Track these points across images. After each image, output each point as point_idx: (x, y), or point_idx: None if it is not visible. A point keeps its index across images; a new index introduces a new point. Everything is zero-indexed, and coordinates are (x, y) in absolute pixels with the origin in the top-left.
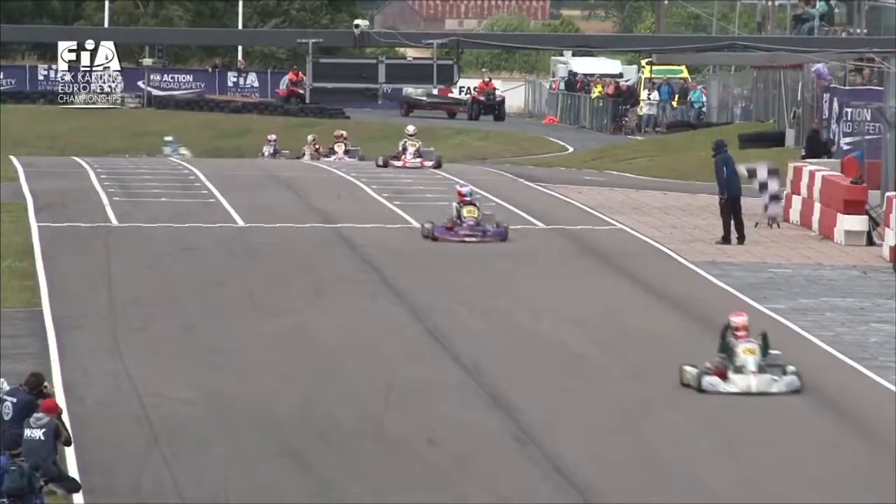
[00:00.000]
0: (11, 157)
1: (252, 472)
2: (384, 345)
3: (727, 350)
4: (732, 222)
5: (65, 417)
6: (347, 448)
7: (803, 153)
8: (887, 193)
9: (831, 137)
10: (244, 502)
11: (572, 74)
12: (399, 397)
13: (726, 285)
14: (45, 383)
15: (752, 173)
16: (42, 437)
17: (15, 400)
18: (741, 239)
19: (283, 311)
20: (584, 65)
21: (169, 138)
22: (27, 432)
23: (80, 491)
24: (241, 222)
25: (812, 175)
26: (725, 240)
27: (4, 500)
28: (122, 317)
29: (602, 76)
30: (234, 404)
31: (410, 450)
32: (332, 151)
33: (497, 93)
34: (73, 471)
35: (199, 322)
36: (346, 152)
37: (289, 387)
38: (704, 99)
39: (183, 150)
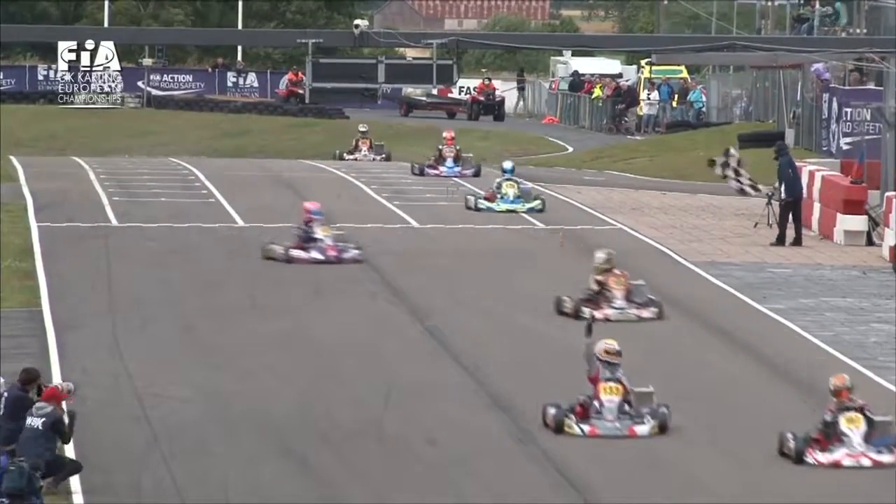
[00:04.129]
0: (11, 157)
1: (252, 472)
2: (384, 345)
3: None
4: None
5: (64, 416)
6: (347, 448)
7: None
8: (887, 193)
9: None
10: (244, 502)
11: (579, 75)
12: (399, 397)
13: (726, 285)
14: (40, 379)
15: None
16: (39, 427)
17: (7, 395)
18: (798, 241)
19: (283, 311)
20: (584, 65)
21: None
22: (28, 421)
23: (82, 470)
24: (240, 222)
25: (812, 175)
26: (780, 241)
27: (4, 499)
28: (122, 317)
29: (602, 76)
30: (233, 404)
31: (410, 450)
32: (356, 149)
33: (497, 93)
34: None
35: (198, 322)
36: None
37: (289, 387)
38: (704, 99)
39: None
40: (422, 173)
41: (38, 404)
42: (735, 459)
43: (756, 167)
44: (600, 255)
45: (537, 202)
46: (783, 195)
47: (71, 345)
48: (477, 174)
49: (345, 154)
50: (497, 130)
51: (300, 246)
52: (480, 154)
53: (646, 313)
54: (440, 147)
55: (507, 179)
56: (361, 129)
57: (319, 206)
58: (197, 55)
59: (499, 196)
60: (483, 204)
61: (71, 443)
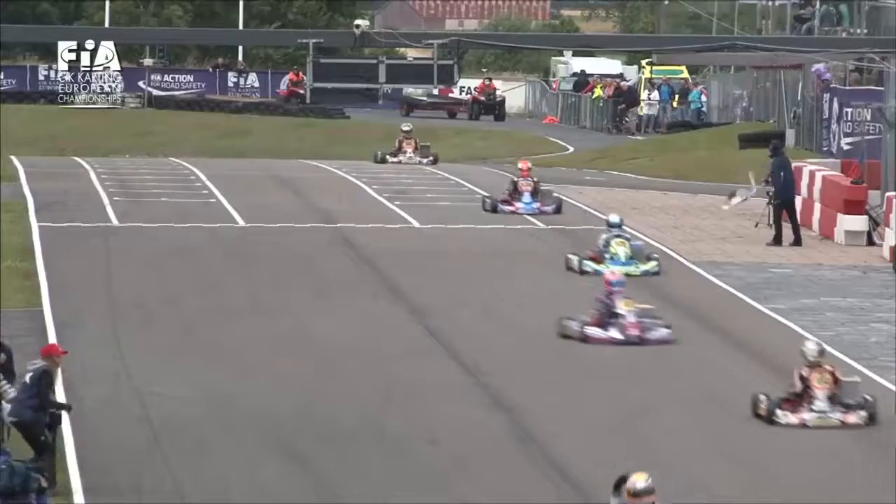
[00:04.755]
0: (12, 157)
1: (252, 472)
2: (384, 345)
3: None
4: (783, 225)
5: (64, 416)
6: (348, 448)
7: None
8: (887, 193)
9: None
10: (244, 502)
11: (585, 74)
12: (399, 397)
13: (726, 285)
14: None
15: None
16: (28, 381)
17: None
18: (797, 241)
19: (284, 311)
20: (585, 65)
21: None
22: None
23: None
24: (241, 222)
25: (812, 175)
26: (777, 241)
27: None
28: (123, 316)
29: (602, 76)
30: (234, 404)
31: (410, 450)
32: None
33: (497, 93)
34: (72, 470)
35: (199, 322)
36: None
37: (289, 387)
38: (705, 99)
39: None
40: (495, 210)
41: (32, 361)
42: (735, 459)
43: (756, 167)
44: (811, 347)
45: (653, 264)
46: (775, 196)
47: (71, 344)
48: (558, 210)
49: (387, 156)
50: (497, 130)
51: (598, 322)
52: (480, 154)
53: (852, 418)
54: (515, 179)
55: (616, 236)
56: (405, 128)
57: (621, 277)
58: (196, 54)
59: (607, 256)
60: (589, 266)
61: (71, 438)
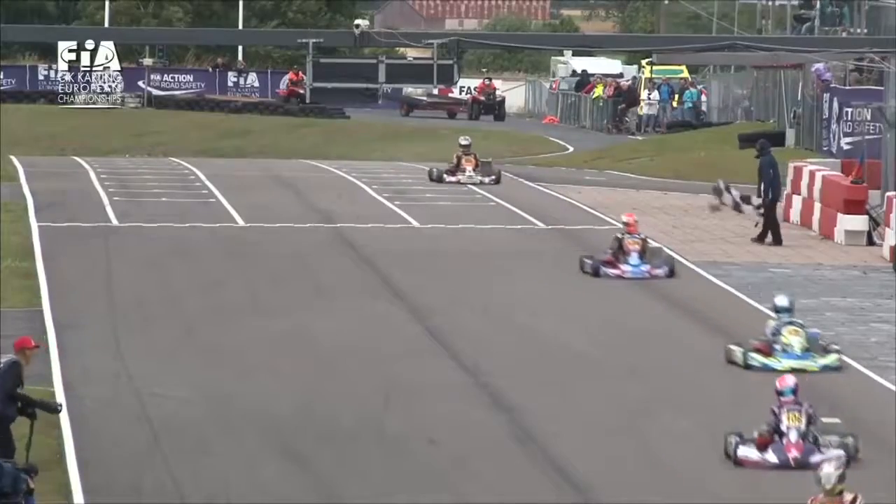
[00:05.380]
0: (11, 157)
1: (252, 472)
2: (384, 345)
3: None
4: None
5: (64, 417)
6: (348, 448)
7: None
8: (887, 193)
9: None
10: (244, 502)
11: (587, 74)
12: (399, 397)
13: (727, 285)
14: None
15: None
16: None
17: None
18: (776, 241)
19: (284, 311)
20: (585, 65)
21: None
22: None
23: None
24: (241, 222)
25: (812, 175)
26: (777, 241)
27: None
28: (123, 317)
29: (603, 76)
30: (234, 404)
31: (410, 450)
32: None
33: (497, 93)
34: (72, 470)
35: (199, 322)
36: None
37: (289, 387)
38: (704, 98)
39: None
40: (596, 273)
41: (4, 356)
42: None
43: (756, 166)
44: (826, 472)
45: (833, 357)
46: (765, 195)
47: (71, 345)
48: (671, 274)
49: (444, 174)
50: (497, 130)
51: (764, 441)
52: (481, 154)
53: None
54: (619, 236)
55: (788, 323)
56: (463, 142)
57: (791, 383)
58: (195, 53)
59: (778, 348)
60: (755, 360)
61: (71, 438)
